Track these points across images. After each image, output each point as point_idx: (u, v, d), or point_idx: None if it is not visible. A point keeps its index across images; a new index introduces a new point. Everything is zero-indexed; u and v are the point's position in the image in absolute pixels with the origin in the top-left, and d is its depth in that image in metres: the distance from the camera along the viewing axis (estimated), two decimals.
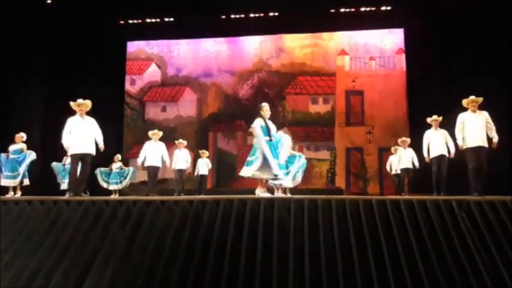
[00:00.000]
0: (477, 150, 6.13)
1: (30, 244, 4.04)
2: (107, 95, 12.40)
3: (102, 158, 10.34)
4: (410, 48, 11.99)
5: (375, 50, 12.57)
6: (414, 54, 11.70)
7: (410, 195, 8.60)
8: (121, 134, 13.04)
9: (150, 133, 8.84)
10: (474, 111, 6.33)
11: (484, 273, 3.43)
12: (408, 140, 9.38)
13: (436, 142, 7.46)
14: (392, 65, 12.46)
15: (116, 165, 10.46)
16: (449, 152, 7.35)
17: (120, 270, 3.70)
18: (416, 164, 9.06)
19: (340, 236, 3.80)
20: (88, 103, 6.33)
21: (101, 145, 6.37)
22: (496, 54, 9.38)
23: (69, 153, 6.23)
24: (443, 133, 7.48)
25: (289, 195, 7.62)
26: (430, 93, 10.70)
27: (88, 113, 6.41)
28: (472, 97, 6.40)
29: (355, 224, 3.89)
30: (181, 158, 9.63)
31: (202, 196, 6.22)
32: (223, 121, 12.89)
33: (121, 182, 10.34)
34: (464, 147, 6.28)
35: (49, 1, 11.13)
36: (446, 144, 7.39)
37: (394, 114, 12.10)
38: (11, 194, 7.85)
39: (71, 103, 6.30)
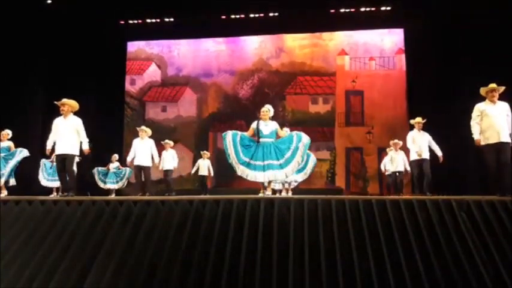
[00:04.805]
0: (499, 147, 5.18)
1: (30, 244, 4.04)
2: (107, 95, 12.43)
3: (102, 158, 10.48)
4: (410, 48, 12.02)
5: (374, 50, 12.58)
6: (414, 54, 11.72)
7: (407, 195, 8.58)
8: (121, 134, 13.05)
9: (138, 129, 8.38)
10: (494, 101, 5.35)
11: (484, 273, 3.44)
12: (400, 142, 8.94)
13: (419, 145, 7.18)
14: (392, 65, 12.47)
15: (114, 165, 10.49)
16: (436, 155, 7.18)
17: (120, 270, 3.70)
18: (408, 168, 8.94)
19: (340, 236, 3.80)
20: (71, 103, 6.11)
21: (84, 146, 6.07)
22: (496, 54, 9.38)
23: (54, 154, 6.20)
24: (427, 136, 7.28)
25: (288, 194, 7.68)
26: (430, 93, 10.72)
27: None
28: (493, 85, 5.39)
29: (355, 224, 3.89)
30: (168, 159, 9.48)
31: (202, 196, 6.22)
32: (223, 121, 12.88)
33: (118, 182, 10.36)
34: (483, 143, 5.31)
35: (49, 1, 11.14)
36: (430, 148, 7.22)
37: (394, 114, 12.11)
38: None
39: (56, 102, 6.14)
